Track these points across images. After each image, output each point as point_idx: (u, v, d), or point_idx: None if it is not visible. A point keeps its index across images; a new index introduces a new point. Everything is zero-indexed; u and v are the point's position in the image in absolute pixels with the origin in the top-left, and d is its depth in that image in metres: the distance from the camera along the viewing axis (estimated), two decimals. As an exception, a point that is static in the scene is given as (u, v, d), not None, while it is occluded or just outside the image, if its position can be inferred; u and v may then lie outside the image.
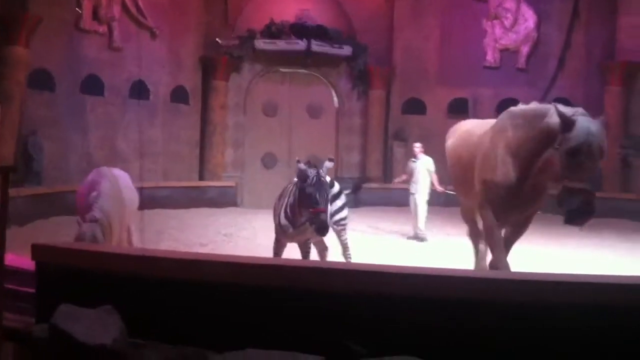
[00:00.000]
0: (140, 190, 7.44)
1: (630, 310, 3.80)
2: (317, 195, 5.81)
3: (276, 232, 6.48)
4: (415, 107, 17.89)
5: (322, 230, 5.83)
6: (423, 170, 11.46)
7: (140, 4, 15.25)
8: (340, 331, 3.97)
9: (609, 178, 15.97)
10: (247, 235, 11.32)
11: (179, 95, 16.50)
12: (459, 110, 17.64)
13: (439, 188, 11.38)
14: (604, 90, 16.59)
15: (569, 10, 17.14)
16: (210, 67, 16.94)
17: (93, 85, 14.53)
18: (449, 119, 17.65)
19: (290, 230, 6.26)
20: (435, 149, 16.88)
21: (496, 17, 17.60)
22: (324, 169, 6.06)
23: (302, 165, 6.02)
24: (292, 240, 6.50)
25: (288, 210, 6.20)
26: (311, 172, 5.93)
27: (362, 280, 4.14)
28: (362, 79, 17.69)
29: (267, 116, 17.67)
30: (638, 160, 15.71)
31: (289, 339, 3.96)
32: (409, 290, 4.05)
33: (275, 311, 4.15)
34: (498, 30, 17.62)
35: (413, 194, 11.48)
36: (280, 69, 17.56)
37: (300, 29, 17.02)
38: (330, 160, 6.34)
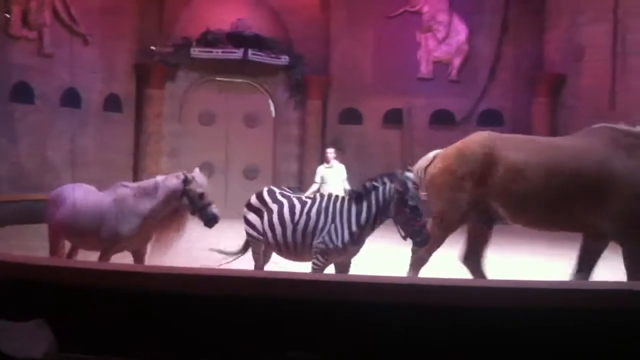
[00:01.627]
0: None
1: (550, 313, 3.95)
2: (420, 208, 5.59)
3: (330, 255, 5.86)
4: (351, 116, 18.09)
5: (426, 242, 5.74)
6: (335, 177, 11.04)
7: (72, 9, 14.90)
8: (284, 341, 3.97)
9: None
10: (184, 245, 11.12)
11: (112, 103, 16.18)
12: (394, 120, 17.98)
13: None
14: (532, 101, 17.20)
15: (498, 23, 17.72)
16: (145, 75, 16.69)
17: (23, 93, 14.09)
18: (384, 129, 18.03)
19: (351, 248, 5.89)
20: (371, 158, 17.30)
21: (429, 30, 18.02)
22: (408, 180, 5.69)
23: (409, 176, 5.69)
24: (337, 260, 6.05)
25: (354, 229, 5.76)
26: (410, 184, 5.62)
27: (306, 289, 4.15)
28: (299, 89, 17.77)
29: (203, 125, 17.51)
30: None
31: (233, 351, 3.93)
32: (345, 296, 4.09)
33: (221, 322, 4.11)
34: (431, 43, 18.04)
35: None
36: (217, 78, 17.44)
37: (236, 38, 16.98)
38: (408, 170, 5.95)
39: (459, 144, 6.96)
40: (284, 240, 6.00)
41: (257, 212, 6.23)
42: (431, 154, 6.88)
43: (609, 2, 15.57)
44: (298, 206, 6.01)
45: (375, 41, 18.01)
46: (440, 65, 18.08)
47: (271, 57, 17.22)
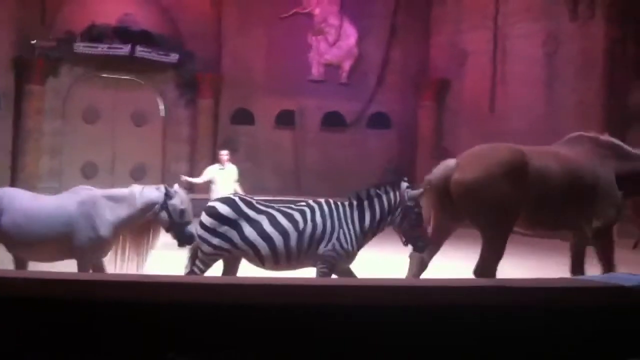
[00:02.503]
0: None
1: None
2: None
3: (338, 260, 5.81)
4: (243, 117, 17.96)
5: (426, 248, 6.00)
6: (227, 179, 10.83)
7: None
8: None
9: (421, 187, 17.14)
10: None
11: (-13, 98, 15.20)
12: (286, 121, 18.04)
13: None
14: (419, 105, 17.80)
15: (387, 28, 18.21)
16: (25, 70, 15.77)
17: None
18: (276, 130, 18.03)
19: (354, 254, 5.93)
20: (263, 159, 17.27)
21: (321, 33, 18.22)
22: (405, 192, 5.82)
23: (409, 190, 5.82)
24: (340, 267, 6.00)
25: (358, 234, 5.79)
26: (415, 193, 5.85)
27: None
28: (189, 87, 17.42)
29: (88, 123, 16.79)
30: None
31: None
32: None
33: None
34: (322, 45, 18.25)
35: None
36: (102, 74, 16.78)
37: (123, 34, 16.41)
38: (404, 180, 5.96)
39: (484, 151, 6.81)
40: (286, 250, 5.76)
41: (231, 223, 5.80)
42: (451, 162, 6.54)
43: (490, 10, 16.39)
44: (297, 214, 5.85)
45: (267, 41, 17.98)
46: (331, 68, 18.34)
47: (160, 54, 16.76)
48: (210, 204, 5.97)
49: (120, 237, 5.89)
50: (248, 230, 5.76)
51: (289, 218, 5.82)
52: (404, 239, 5.89)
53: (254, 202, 5.93)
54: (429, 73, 17.97)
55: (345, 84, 18.32)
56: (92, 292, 4.04)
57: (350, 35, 18.39)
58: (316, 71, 18.24)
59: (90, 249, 5.74)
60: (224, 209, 5.79)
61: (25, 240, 5.68)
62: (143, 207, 5.81)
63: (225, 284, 4.41)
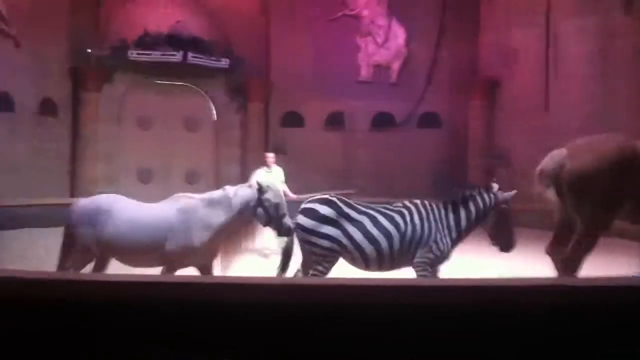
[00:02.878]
0: None
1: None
2: None
3: (434, 262, 5.85)
4: (293, 120, 18.11)
5: (513, 249, 6.09)
6: (274, 181, 10.83)
7: (2, 9, 14.39)
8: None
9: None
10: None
11: (46, 106, 15.70)
12: (336, 123, 18.09)
13: (294, 196, 10.90)
14: (468, 105, 17.59)
15: (436, 28, 18.06)
16: (81, 78, 16.29)
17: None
18: (326, 132, 18.11)
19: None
20: (314, 161, 17.33)
21: (369, 34, 18.22)
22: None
23: (500, 192, 6.03)
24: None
25: (454, 236, 5.88)
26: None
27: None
28: (240, 92, 17.68)
29: (142, 129, 17.20)
30: (500, 170, 16.74)
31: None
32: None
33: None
34: (371, 47, 18.24)
35: None
36: (156, 81, 17.17)
37: (175, 40, 16.76)
38: (494, 182, 6.20)
39: (595, 143, 6.77)
40: (389, 252, 5.74)
41: (334, 223, 5.77)
42: (563, 152, 6.68)
43: (540, 7, 16.07)
44: (396, 216, 5.84)
45: (315, 44, 18.08)
46: (380, 69, 18.30)
47: (211, 60, 17.06)
48: (307, 205, 5.89)
49: (222, 240, 5.92)
50: (352, 230, 5.73)
51: (389, 219, 5.79)
52: (493, 240, 6.01)
53: (352, 202, 5.91)
54: (478, 72, 17.74)
55: (394, 84, 18.25)
56: (78, 293, 4.14)
57: (398, 35, 18.33)
58: (365, 72, 18.24)
59: (179, 256, 5.77)
60: (325, 209, 5.76)
61: (127, 248, 5.78)
62: (240, 208, 5.86)
63: (208, 283, 4.47)
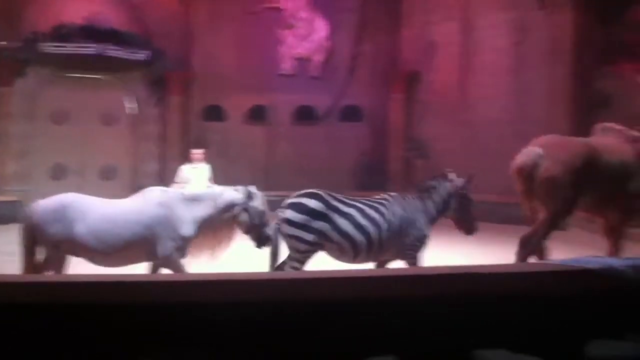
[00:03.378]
0: None
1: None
2: None
3: (419, 248, 6.24)
4: (215, 113, 17.86)
5: (475, 233, 6.55)
6: (200, 177, 10.72)
7: None
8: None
9: (394, 178, 17.26)
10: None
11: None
12: (258, 116, 17.97)
13: None
14: (389, 97, 17.86)
15: (357, 21, 18.19)
16: (-10, 72, 15.51)
17: None
18: (248, 126, 17.96)
19: None
20: (236, 155, 17.17)
21: (290, 27, 18.15)
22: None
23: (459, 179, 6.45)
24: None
25: (427, 222, 6.27)
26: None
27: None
28: (159, 85, 17.26)
29: (56, 124, 16.54)
30: (420, 162, 17.10)
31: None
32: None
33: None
34: (293, 39, 18.18)
35: None
36: (71, 74, 16.54)
37: (91, 32, 16.15)
38: (451, 171, 6.61)
39: (566, 141, 7.75)
40: (378, 241, 5.97)
41: (324, 217, 5.86)
42: (538, 150, 7.39)
43: (459, 2, 16.47)
44: (380, 207, 6.11)
45: (237, 37, 17.88)
46: (302, 62, 18.27)
47: (129, 53, 16.55)
48: (294, 200, 5.94)
49: (198, 238, 5.85)
50: (342, 222, 5.87)
51: (375, 210, 6.05)
52: (458, 225, 6.47)
53: (338, 195, 6.04)
54: (399, 65, 18.02)
55: (316, 77, 18.27)
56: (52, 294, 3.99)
57: (320, 29, 18.34)
58: (287, 65, 18.17)
59: (173, 250, 5.72)
60: (314, 203, 5.86)
61: (104, 247, 5.59)
62: (224, 208, 5.87)
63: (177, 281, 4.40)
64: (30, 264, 5.75)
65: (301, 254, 5.87)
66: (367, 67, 18.24)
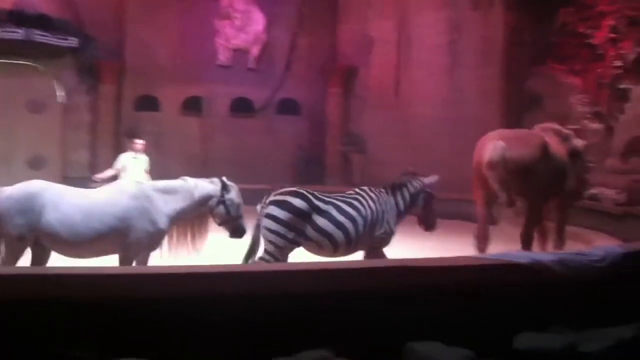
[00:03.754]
0: None
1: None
2: None
3: (388, 241, 6.47)
4: (148, 103, 17.46)
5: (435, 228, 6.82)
6: (139, 168, 10.71)
7: None
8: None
9: (332, 173, 17.36)
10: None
11: None
12: (193, 108, 17.70)
13: None
14: (327, 92, 17.91)
15: (294, 15, 18.15)
16: None
17: None
18: (182, 116, 17.67)
19: None
20: (170, 146, 16.85)
21: (227, 17, 17.93)
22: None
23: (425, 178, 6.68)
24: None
25: (396, 216, 6.48)
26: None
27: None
28: (90, 73, 16.74)
29: (-20, 112, 15.86)
30: (356, 156, 17.24)
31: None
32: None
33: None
34: (229, 30, 17.97)
35: None
36: (-4, 60, 15.87)
37: (18, 17, 15.50)
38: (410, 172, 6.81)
39: (522, 133, 8.39)
40: (355, 236, 6.13)
41: (306, 217, 5.95)
42: (502, 144, 7.64)
43: (395, -1, 16.67)
44: (355, 202, 6.28)
45: (172, 26, 17.50)
46: (239, 54, 18.08)
47: (58, 39, 15.97)
48: (280, 198, 5.98)
49: (172, 231, 5.71)
50: (322, 222, 6.01)
51: (351, 206, 6.23)
52: (420, 221, 6.72)
53: (317, 193, 6.21)
54: (336, 60, 18.09)
55: (253, 69, 18.12)
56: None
57: (258, 20, 18.19)
58: (223, 56, 17.95)
59: (147, 243, 5.58)
60: (299, 202, 5.95)
61: (77, 238, 5.35)
62: (199, 200, 5.75)
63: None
64: None
65: (279, 250, 5.93)
66: (304, 61, 18.22)
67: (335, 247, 6.09)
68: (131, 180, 9.55)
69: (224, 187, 5.86)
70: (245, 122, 17.98)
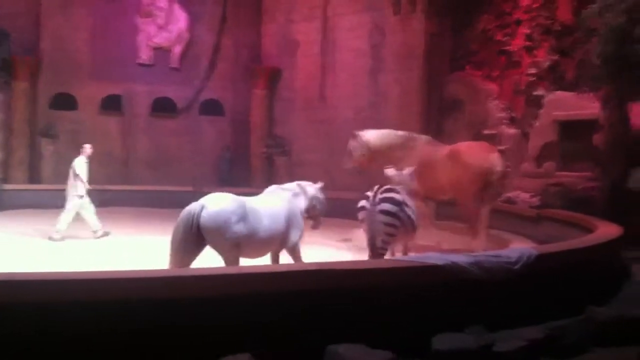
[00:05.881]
0: None
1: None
2: None
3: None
4: (65, 102, 16.88)
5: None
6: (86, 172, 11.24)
7: None
8: None
9: (257, 174, 17.26)
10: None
11: None
12: (113, 107, 17.23)
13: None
14: (251, 93, 17.81)
15: (218, 14, 17.96)
16: None
17: None
18: (101, 115, 17.16)
19: None
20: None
21: (149, 15, 17.56)
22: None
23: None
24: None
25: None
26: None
27: None
28: (4, 69, 16.03)
29: None
30: (280, 158, 17.22)
31: None
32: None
33: None
34: (151, 28, 17.60)
35: (82, 196, 10.94)
36: None
37: None
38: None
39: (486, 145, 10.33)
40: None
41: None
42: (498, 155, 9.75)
43: (319, 1, 16.74)
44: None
45: (91, 22, 17.01)
46: (161, 52, 17.74)
47: (-32, 32, 15.26)
48: (388, 194, 7.15)
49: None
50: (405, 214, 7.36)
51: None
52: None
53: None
54: (261, 61, 18.01)
55: (176, 68, 17.82)
56: None
57: (180, 19, 17.89)
58: (145, 55, 17.55)
59: (300, 238, 6.77)
60: (401, 197, 7.24)
61: (266, 239, 6.28)
62: (311, 199, 7.00)
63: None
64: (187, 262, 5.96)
65: (393, 239, 7.27)
66: (228, 62, 18.08)
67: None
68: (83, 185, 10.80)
69: (320, 188, 7.17)
70: (167, 122, 17.67)
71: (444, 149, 9.98)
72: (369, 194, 7.27)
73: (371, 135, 10.59)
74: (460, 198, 9.67)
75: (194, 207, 5.94)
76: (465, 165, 9.31)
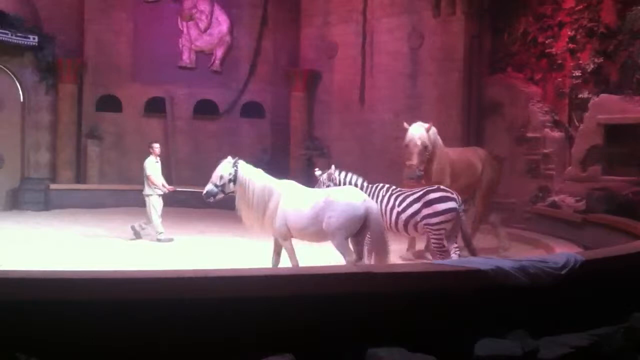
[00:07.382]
0: None
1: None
2: None
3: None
4: (110, 104, 17.24)
5: None
6: (159, 171, 11.63)
7: None
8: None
9: (296, 176, 17.32)
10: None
11: None
12: (156, 109, 17.52)
13: (171, 188, 11.64)
14: (290, 95, 17.91)
15: (258, 18, 18.11)
16: None
17: None
18: (144, 117, 17.47)
19: None
20: (131, 148, 16.61)
21: (191, 18, 17.82)
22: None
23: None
24: None
25: None
26: None
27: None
28: (50, 72, 16.44)
29: None
30: (319, 160, 17.26)
31: None
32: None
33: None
34: (193, 32, 17.86)
35: (151, 195, 11.33)
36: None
37: (-25, 15, 15.18)
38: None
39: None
40: None
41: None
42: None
43: (358, 4, 16.76)
44: None
45: (133, 26, 17.34)
46: (203, 55, 17.99)
47: (17, 37, 15.66)
48: (438, 194, 7.80)
49: None
50: None
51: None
52: None
53: None
54: (299, 64, 18.10)
55: (217, 71, 18.03)
56: None
57: (222, 22, 18.11)
58: (187, 58, 17.82)
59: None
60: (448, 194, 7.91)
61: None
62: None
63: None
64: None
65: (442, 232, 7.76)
66: (268, 64, 18.21)
67: None
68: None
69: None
70: (208, 125, 17.89)
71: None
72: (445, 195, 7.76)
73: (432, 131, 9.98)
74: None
75: (359, 203, 6.96)
76: None
